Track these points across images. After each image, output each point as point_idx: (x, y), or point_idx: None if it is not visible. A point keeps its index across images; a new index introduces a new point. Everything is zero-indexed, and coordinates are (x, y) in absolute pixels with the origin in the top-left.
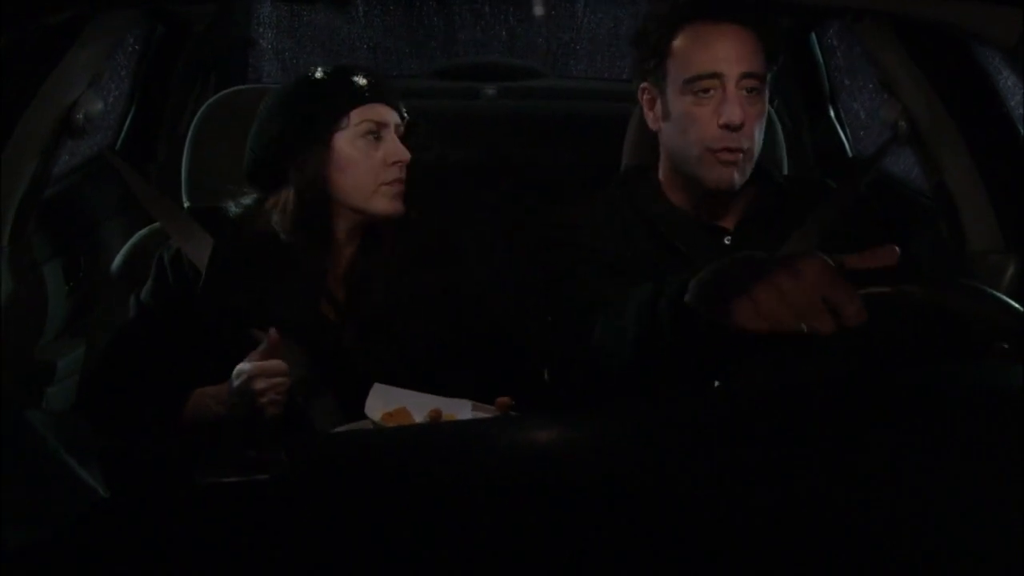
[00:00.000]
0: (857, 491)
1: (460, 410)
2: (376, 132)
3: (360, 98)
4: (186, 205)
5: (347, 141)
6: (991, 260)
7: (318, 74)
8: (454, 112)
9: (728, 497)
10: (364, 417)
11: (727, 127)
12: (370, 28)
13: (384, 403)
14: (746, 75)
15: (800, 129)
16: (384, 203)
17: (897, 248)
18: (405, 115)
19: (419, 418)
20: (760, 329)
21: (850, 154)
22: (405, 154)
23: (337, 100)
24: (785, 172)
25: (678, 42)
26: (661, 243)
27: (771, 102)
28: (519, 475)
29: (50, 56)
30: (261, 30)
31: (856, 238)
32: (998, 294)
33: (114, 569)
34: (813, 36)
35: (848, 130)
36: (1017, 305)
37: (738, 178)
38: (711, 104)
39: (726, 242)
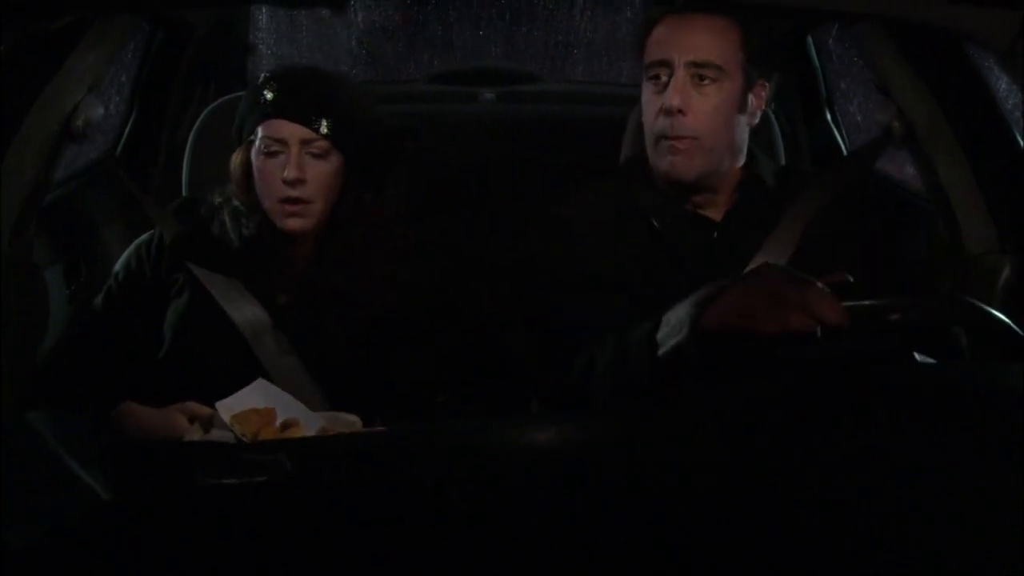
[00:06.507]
0: (857, 491)
1: (310, 423)
2: (273, 149)
3: (263, 114)
4: None
5: (255, 155)
6: (987, 262)
7: (259, 81)
8: (452, 116)
9: (727, 498)
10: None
11: (666, 112)
12: (369, 33)
13: (255, 402)
14: (694, 63)
15: (797, 132)
16: (280, 221)
17: (849, 277)
18: (322, 130)
19: (277, 423)
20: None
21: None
22: (293, 173)
23: (249, 115)
24: None
25: (649, 37)
26: (653, 237)
27: (768, 104)
28: (519, 476)
29: (51, 61)
30: (261, 35)
31: (848, 237)
32: (977, 303)
33: (114, 569)
34: (809, 39)
35: (845, 132)
36: (999, 314)
37: (684, 167)
38: (661, 91)
39: (714, 236)
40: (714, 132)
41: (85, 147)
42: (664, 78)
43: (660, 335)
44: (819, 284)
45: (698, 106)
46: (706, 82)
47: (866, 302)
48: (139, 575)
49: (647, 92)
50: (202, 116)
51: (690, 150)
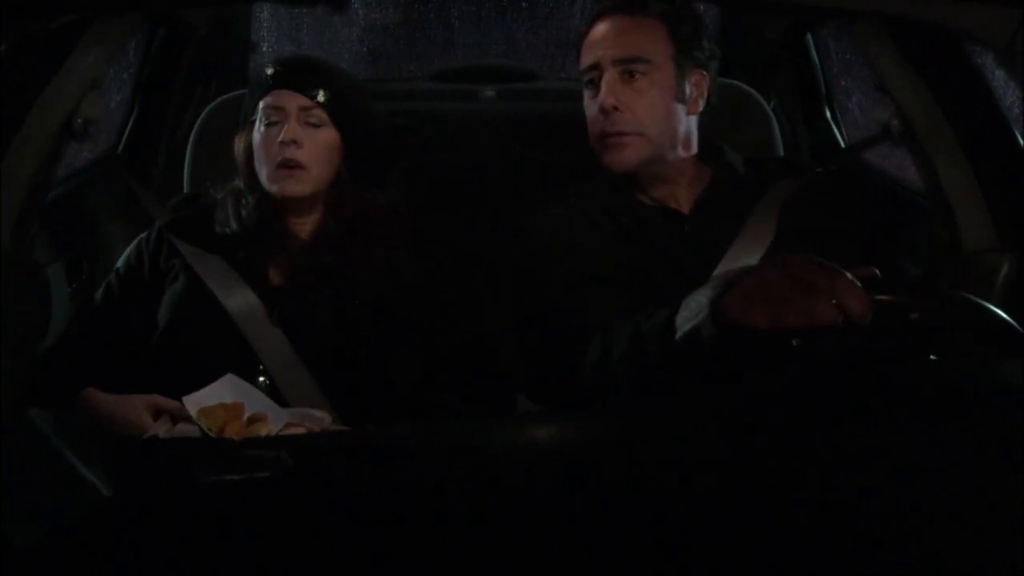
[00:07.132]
0: (857, 491)
1: (278, 419)
2: (273, 119)
3: (265, 88)
4: None
5: (256, 132)
6: (986, 260)
7: (263, 68)
8: (453, 114)
9: (727, 498)
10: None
11: (602, 111)
12: (370, 32)
13: (223, 396)
14: (621, 60)
15: (797, 130)
16: (274, 186)
17: (877, 272)
18: (319, 98)
19: (244, 418)
20: (770, 324)
21: None
22: (290, 135)
23: (252, 96)
24: None
25: (581, 47)
26: (628, 235)
27: (768, 102)
28: (519, 476)
29: (52, 60)
30: (263, 33)
31: (846, 235)
32: (988, 305)
33: (114, 568)
34: (809, 37)
35: (844, 130)
36: (1004, 314)
37: (627, 159)
38: (596, 94)
39: (685, 229)
40: (653, 123)
41: (86, 146)
42: (597, 80)
43: (679, 319)
44: (848, 275)
45: (632, 101)
46: (636, 76)
47: (886, 297)
48: (139, 574)
49: (586, 98)
50: (203, 115)
51: (630, 144)
